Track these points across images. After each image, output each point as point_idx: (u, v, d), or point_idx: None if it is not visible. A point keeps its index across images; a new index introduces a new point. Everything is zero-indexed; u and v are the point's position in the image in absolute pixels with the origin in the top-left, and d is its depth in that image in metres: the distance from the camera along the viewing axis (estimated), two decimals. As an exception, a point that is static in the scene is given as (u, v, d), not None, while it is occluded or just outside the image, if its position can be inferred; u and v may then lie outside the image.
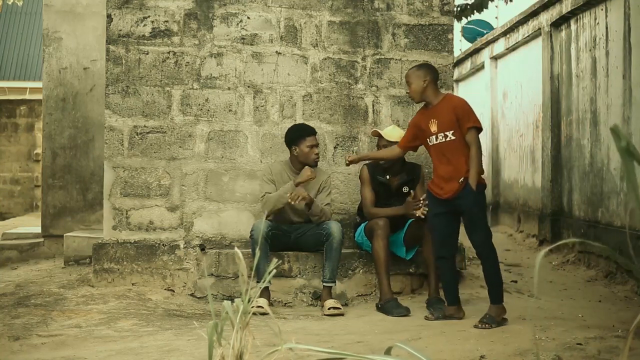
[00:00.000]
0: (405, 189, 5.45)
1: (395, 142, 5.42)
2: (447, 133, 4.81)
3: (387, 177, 5.47)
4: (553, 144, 8.44)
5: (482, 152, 4.91)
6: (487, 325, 4.57)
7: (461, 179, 4.75)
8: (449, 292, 4.97)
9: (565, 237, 7.93)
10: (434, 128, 4.86)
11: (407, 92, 5.08)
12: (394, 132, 5.48)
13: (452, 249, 4.96)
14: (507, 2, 9.57)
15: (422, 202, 5.20)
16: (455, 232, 4.97)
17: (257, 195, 5.93)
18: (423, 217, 5.20)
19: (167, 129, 5.92)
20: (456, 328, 4.59)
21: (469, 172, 4.73)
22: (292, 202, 5.31)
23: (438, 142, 4.85)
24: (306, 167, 5.48)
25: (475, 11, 9.32)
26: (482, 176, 4.87)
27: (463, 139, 4.79)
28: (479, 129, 4.84)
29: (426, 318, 4.92)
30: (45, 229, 7.78)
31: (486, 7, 9.27)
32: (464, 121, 4.79)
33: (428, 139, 4.91)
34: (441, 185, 4.83)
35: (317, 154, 5.54)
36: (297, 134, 5.52)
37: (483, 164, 5.05)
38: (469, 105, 4.92)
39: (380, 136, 5.49)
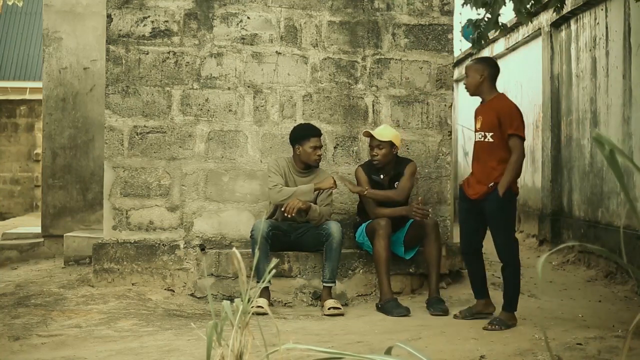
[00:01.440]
0: (397, 185, 5.49)
1: (388, 142, 5.41)
2: (486, 133, 4.70)
3: (381, 176, 5.49)
4: (553, 144, 8.43)
5: (523, 162, 4.74)
6: (496, 326, 4.53)
7: (491, 184, 4.66)
8: (474, 285, 4.94)
9: (565, 238, 7.92)
10: (478, 125, 4.78)
11: (464, 83, 5.02)
12: (384, 132, 5.45)
13: (474, 246, 4.89)
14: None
15: (425, 210, 5.26)
16: (479, 231, 4.86)
17: (257, 195, 5.93)
18: (425, 219, 5.28)
19: (167, 129, 5.92)
20: (456, 328, 4.59)
21: (499, 178, 4.62)
22: (286, 214, 5.32)
23: (478, 140, 4.78)
24: (331, 177, 5.50)
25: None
26: (518, 182, 4.76)
27: (502, 143, 4.65)
28: (522, 139, 4.65)
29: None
30: (45, 229, 7.78)
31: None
32: (506, 126, 4.64)
33: (474, 134, 4.84)
34: (472, 184, 4.78)
35: (320, 155, 5.54)
36: (302, 134, 5.52)
37: None
38: (516, 112, 4.72)
39: (371, 137, 5.48)
